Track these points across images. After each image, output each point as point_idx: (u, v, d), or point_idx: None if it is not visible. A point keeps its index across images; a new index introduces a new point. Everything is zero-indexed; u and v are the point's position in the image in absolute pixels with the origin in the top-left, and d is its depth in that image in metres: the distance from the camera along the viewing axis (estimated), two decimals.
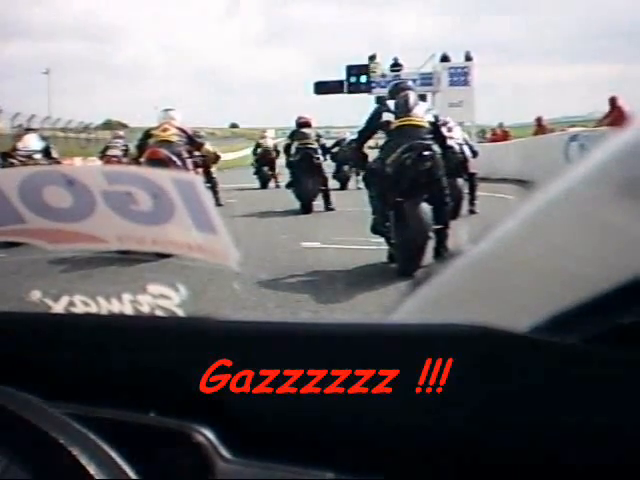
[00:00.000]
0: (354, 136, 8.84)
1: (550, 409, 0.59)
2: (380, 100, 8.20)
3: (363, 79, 35.82)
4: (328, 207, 13.76)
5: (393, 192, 7.01)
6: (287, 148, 14.98)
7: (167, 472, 0.67)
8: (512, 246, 0.64)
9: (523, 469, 0.59)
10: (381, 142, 7.66)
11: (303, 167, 13.76)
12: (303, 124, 14.37)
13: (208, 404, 0.68)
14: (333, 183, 14.52)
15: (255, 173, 21.49)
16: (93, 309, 0.84)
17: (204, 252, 0.90)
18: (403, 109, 7.37)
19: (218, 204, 9.13)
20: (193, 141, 9.37)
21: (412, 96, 7.54)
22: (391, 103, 7.52)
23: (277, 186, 20.12)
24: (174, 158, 8.74)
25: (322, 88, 37.07)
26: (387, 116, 7.42)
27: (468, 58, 34.32)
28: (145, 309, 0.83)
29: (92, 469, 0.65)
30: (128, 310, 0.83)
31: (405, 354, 0.64)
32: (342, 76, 36.50)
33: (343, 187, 18.76)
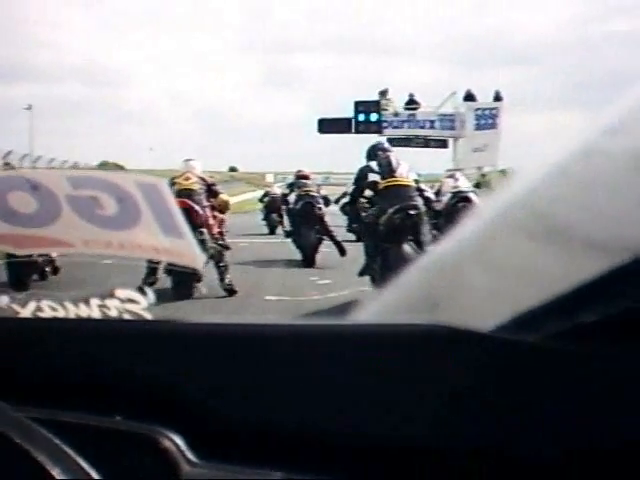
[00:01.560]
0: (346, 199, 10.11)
1: (516, 407, 0.60)
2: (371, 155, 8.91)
3: (373, 117, 32.85)
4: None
5: (384, 242, 8.16)
6: (285, 197, 14.94)
7: (133, 476, 0.67)
8: (475, 246, 0.65)
9: (489, 468, 0.60)
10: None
11: (304, 217, 13.28)
12: (302, 177, 14.37)
13: (174, 407, 0.68)
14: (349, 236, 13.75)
15: (264, 219, 22.33)
16: (60, 314, 0.84)
17: (171, 255, 0.90)
18: (387, 170, 8.45)
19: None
20: (211, 190, 10.10)
21: (393, 157, 8.64)
22: (373, 164, 8.60)
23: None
24: (196, 207, 9.30)
25: (327, 126, 33.69)
26: (373, 176, 8.47)
27: (498, 98, 31.54)
28: (113, 313, 0.83)
29: (56, 473, 0.65)
30: (96, 314, 0.83)
31: (370, 354, 0.65)
32: (349, 113, 33.05)
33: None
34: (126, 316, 0.82)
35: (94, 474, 0.66)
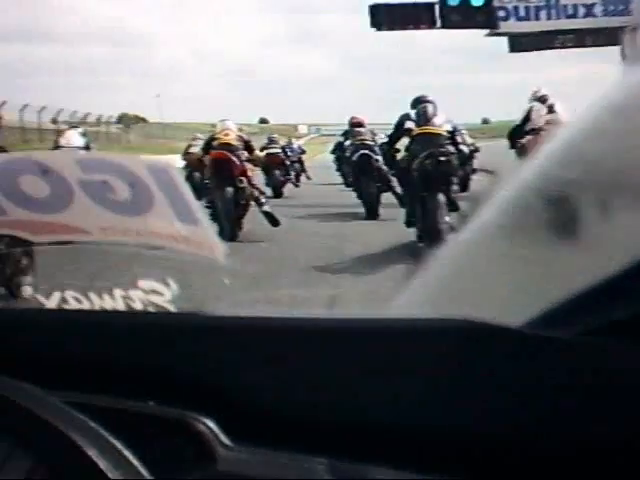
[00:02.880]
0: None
1: (544, 404, 0.60)
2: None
3: (477, 0, 19.94)
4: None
5: (418, 189, 8.75)
6: (339, 147, 14.73)
7: (168, 460, 0.67)
8: (505, 240, 0.65)
9: (517, 463, 0.61)
10: None
11: (362, 168, 12.73)
12: (356, 124, 13.79)
13: (208, 393, 0.68)
14: None
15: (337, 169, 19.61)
16: (85, 305, 0.84)
17: (190, 244, 0.89)
18: (423, 118, 9.17)
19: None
20: (248, 146, 11.24)
21: (431, 107, 9.31)
22: (412, 112, 9.36)
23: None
24: (234, 158, 10.57)
25: (388, 17, 20.36)
26: (409, 124, 9.23)
27: None
28: (137, 305, 0.83)
29: (94, 455, 0.65)
30: (120, 306, 0.83)
31: (399, 349, 0.65)
32: None
33: None
34: (150, 308, 0.82)
35: (130, 456, 0.66)
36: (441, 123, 9.24)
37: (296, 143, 23.04)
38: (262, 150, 17.54)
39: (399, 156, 9.66)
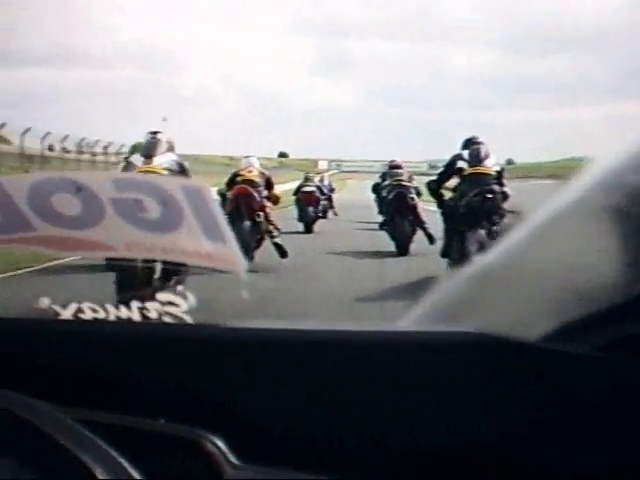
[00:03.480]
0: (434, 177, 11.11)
1: (561, 417, 0.59)
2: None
3: None
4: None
5: (462, 225, 9.20)
6: (377, 187, 15.16)
7: (175, 478, 0.67)
8: (522, 255, 0.64)
9: (532, 476, 0.59)
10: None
11: (397, 207, 13.35)
12: (395, 167, 14.49)
13: (217, 411, 0.68)
14: None
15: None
16: (101, 316, 0.84)
17: (213, 261, 0.89)
18: (475, 159, 9.64)
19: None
20: (269, 183, 11.96)
21: (483, 148, 9.78)
22: (465, 153, 9.80)
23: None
24: (255, 194, 11.41)
25: None
26: (461, 164, 9.66)
27: None
28: (153, 316, 0.83)
29: (100, 474, 0.65)
30: (136, 317, 0.83)
31: (416, 360, 0.64)
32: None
33: None
34: (166, 319, 0.82)
35: (136, 475, 0.66)
36: (493, 164, 9.76)
37: (327, 180, 23.38)
38: (299, 188, 19.49)
39: (446, 194, 10.03)
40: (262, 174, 12.03)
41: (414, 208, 13.26)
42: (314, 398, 0.67)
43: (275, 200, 12.21)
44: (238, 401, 0.68)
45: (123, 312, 0.83)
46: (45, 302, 0.84)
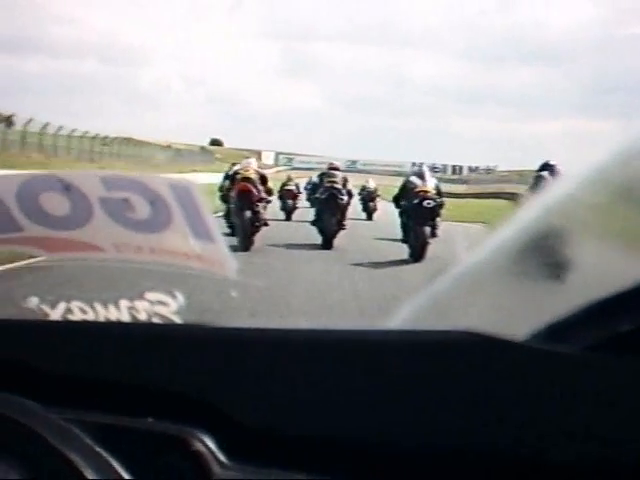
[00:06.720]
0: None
1: (547, 417, 0.59)
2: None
3: None
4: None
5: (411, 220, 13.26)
6: (315, 186, 17.39)
7: (164, 477, 0.67)
8: (510, 255, 0.65)
9: (521, 476, 0.59)
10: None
11: (327, 205, 15.11)
12: (333, 168, 16.24)
13: (205, 409, 0.68)
14: None
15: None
16: (90, 316, 0.84)
17: (202, 261, 0.89)
18: (421, 182, 13.50)
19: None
20: (263, 179, 14.65)
21: (427, 172, 14.12)
22: (414, 178, 13.77)
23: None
24: (253, 189, 14.03)
25: None
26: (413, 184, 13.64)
27: None
28: (142, 316, 0.83)
29: (89, 474, 0.65)
30: (125, 317, 0.83)
31: (403, 360, 0.64)
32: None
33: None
34: (155, 319, 0.82)
35: (125, 475, 0.65)
36: (432, 184, 13.77)
37: (349, 185, 26.63)
38: (283, 186, 25.71)
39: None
40: (257, 171, 14.61)
41: (343, 208, 15.45)
42: (304, 398, 0.67)
43: (269, 191, 14.79)
44: (228, 400, 0.68)
45: (111, 312, 0.83)
46: (33, 302, 0.84)
